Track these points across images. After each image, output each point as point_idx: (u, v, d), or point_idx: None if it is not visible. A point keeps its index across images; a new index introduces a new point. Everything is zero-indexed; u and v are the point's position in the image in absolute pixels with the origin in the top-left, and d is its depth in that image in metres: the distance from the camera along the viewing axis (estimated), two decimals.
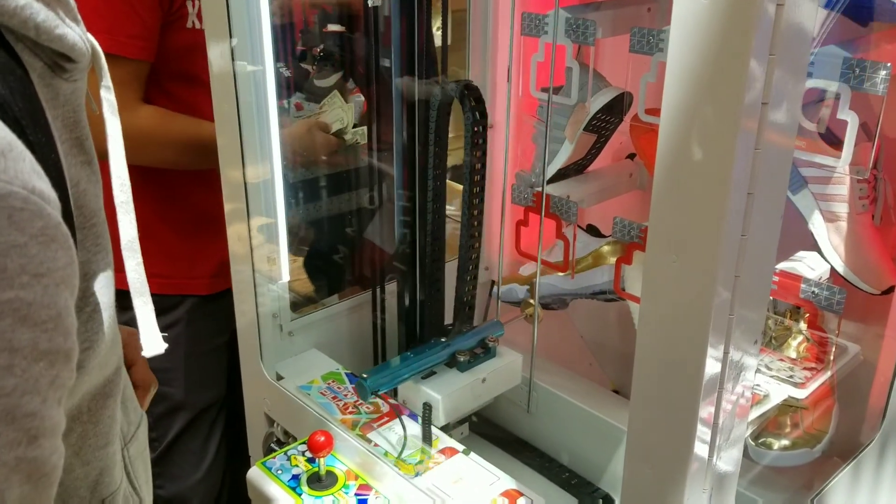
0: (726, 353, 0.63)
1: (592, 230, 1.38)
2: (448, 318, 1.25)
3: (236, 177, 1.08)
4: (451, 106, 1.15)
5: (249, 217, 1.10)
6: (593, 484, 1.20)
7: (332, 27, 1.84)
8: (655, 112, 1.11)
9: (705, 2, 0.53)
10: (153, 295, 0.63)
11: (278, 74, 1.73)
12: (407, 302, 1.22)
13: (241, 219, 1.10)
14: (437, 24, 1.18)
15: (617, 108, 1.23)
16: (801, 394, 1.11)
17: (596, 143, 1.30)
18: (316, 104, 1.72)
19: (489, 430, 1.33)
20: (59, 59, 0.47)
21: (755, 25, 0.52)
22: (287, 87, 1.62)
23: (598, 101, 1.21)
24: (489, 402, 1.25)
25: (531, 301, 1.35)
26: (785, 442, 1.07)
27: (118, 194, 0.58)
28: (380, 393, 1.11)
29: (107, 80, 0.57)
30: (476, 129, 1.13)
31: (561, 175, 1.32)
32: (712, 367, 0.62)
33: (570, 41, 1.17)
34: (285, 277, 1.20)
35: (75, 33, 0.48)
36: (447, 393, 1.13)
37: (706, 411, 0.65)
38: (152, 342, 0.60)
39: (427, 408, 1.11)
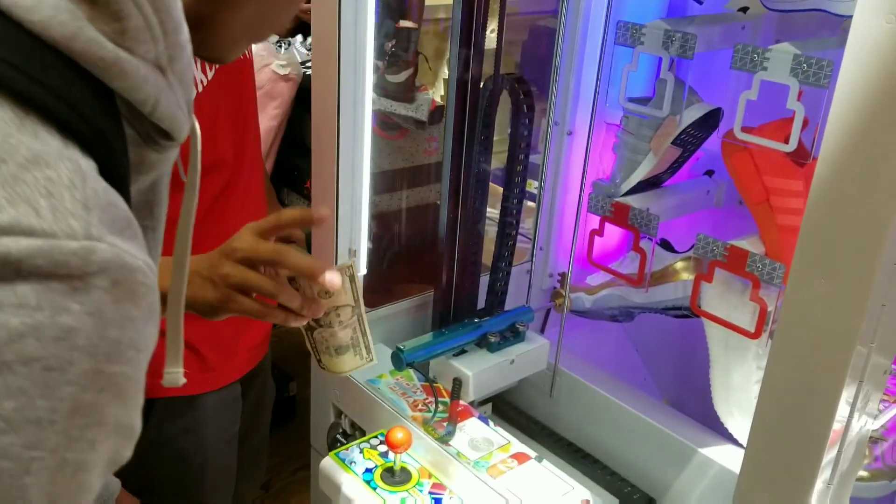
0: (860, 381, 0.62)
1: (665, 245, 1.37)
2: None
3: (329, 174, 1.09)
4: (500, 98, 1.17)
5: (339, 205, 1.10)
6: (639, 489, 1.19)
7: (405, 23, 1.84)
8: (752, 130, 1.10)
9: (889, 26, 0.52)
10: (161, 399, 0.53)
11: None
12: (443, 285, 1.25)
13: (331, 210, 1.10)
14: (491, 27, 1.17)
15: (709, 123, 1.22)
16: (874, 424, 1.10)
17: (680, 157, 1.29)
18: (386, 99, 1.73)
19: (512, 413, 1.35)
20: (156, 133, 0.43)
21: None
22: None
23: (690, 116, 1.20)
24: (514, 384, 1.30)
25: (562, 292, 1.38)
26: (863, 473, 1.05)
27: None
28: (414, 364, 1.14)
29: (196, 161, 0.54)
30: (523, 121, 1.16)
31: (638, 188, 1.31)
32: (847, 396, 0.61)
33: (667, 53, 1.16)
34: (363, 270, 1.20)
35: (184, 115, 0.44)
36: (477, 370, 1.17)
37: (832, 441, 0.64)
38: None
39: (457, 383, 1.16)
